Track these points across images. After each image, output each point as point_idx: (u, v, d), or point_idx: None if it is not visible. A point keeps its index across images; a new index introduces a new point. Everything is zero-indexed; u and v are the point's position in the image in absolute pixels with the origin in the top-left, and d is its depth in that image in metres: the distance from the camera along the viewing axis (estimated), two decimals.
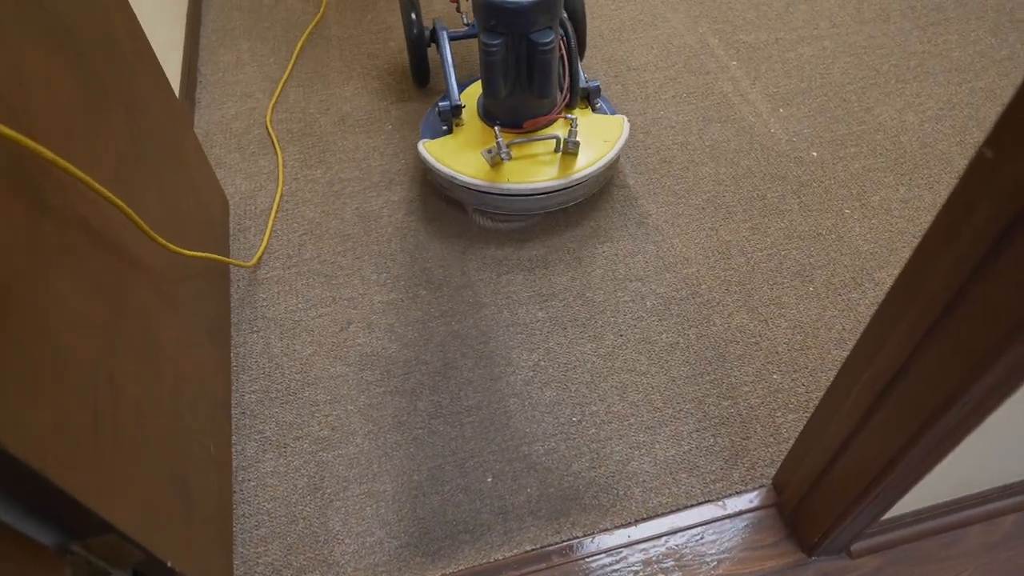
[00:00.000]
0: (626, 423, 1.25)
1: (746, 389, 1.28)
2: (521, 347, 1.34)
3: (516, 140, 1.45)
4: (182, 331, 1.11)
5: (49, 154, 0.72)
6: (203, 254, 1.20)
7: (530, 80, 1.36)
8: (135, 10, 1.21)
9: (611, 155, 1.46)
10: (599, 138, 1.48)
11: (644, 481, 1.18)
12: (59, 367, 0.72)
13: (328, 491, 1.18)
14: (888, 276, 1.42)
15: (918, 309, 0.67)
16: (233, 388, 1.31)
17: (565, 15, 1.41)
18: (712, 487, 1.17)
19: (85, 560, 0.78)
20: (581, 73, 1.53)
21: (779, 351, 1.33)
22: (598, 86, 1.54)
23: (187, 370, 1.08)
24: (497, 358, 1.33)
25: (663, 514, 1.15)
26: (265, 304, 1.43)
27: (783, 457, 1.16)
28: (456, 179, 1.43)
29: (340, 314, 1.41)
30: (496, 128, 1.42)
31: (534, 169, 1.43)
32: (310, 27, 2.02)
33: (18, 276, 0.66)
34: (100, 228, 0.88)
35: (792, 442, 1.21)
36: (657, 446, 1.22)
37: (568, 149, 1.41)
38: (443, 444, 1.23)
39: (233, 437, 1.24)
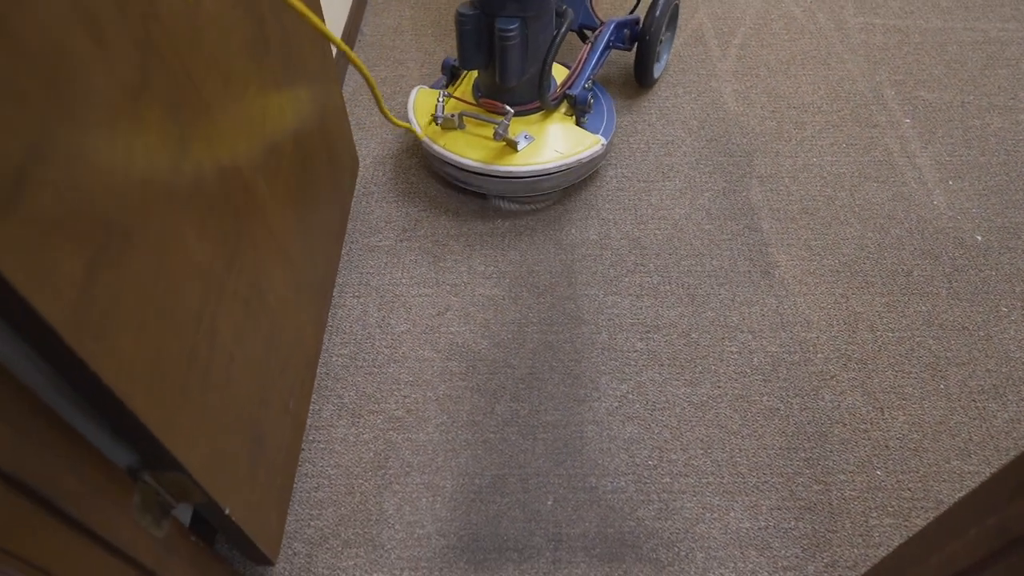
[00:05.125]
0: (704, 480, 1.17)
1: (842, 478, 1.17)
2: (612, 374, 1.29)
3: (467, 113, 1.48)
4: (290, 285, 1.13)
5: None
6: (404, 123, 1.37)
7: (492, 63, 1.37)
8: None
9: (544, 166, 1.43)
10: (553, 147, 1.46)
11: (710, 547, 1.11)
12: (168, 307, 0.73)
13: (390, 472, 1.18)
14: None
15: None
16: (323, 348, 1.33)
17: (571, 13, 1.41)
18: (782, 574, 1.08)
19: (153, 490, 0.81)
20: (581, 81, 1.52)
21: (889, 446, 1.21)
22: (586, 98, 1.49)
23: (285, 326, 1.10)
24: (585, 380, 1.29)
25: None
26: (371, 272, 1.45)
27: (870, 565, 1.05)
28: (412, 123, 1.51)
29: (441, 298, 1.40)
30: (442, 92, 1.48)
31: (468, 145, 1.46)
32: None
33: (148, 214, 0.68)
34: (235, 175, 0.90)
35: (883, 549, 1.10)
36: (732, 513, 1.14)
37: (496, 140, 1.43)
38: (512, 455, 1.20)
39: (313, 396, 1.27)
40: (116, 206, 0.62)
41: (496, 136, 1.42)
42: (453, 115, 1.46)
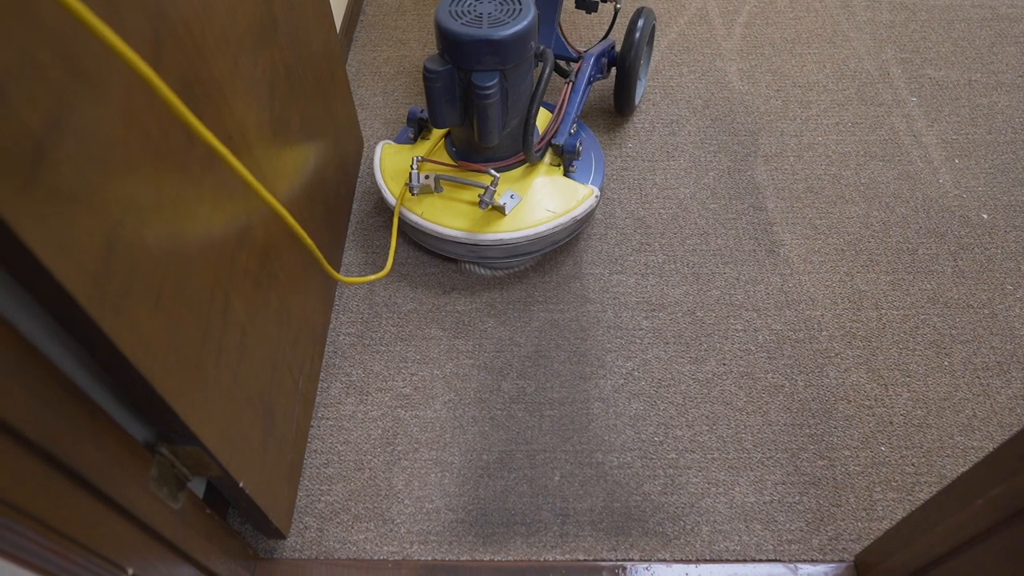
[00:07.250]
0: (709, 456, 1.19)
1: (847, 453, 1.19)
2: (618, 352, 1.30)
3: (444, 176, 1.33)
4: (298, 262, 1.14)
5: (254, 182, 0.74)
6: (361, 279, 1.20)
7: (471, 121, 1.23)
8: None
9: (537, 230, 1.28)
10: (545, 206, 1.31)
11: (715, 521, 1.12)
12: (182, 281, 0.74)
13: (399, 448, 1.20)
14: None
15: None
16: (331, 326, 1.34)
17: (550, 54, 1.24)
18: (787, 547, 1.10)
19: (170, 463, 0.82)
20: (566, 127, 1.39)
21: (893, 422, 1.22)
22: (574, 145, 1.34)
23: (294, 303, 1.11)
24: (591, 357, 1.29)
25: (728, 560, 1.09)
26: (377, 251, 1.45)
27: (874, 537, 1.07)
28: (382, 189, 1.36)
29: (446, 277, 1.41)
30: (416, 158, 1.32)
31: (448, 212, 1.30)
32: None
33: (162, 189, 0.68)
34: (244, 151, 0.91)
35: (886, 523, 1.12)
36: (737, 488, 1.15)
37: (483, 208, 1.28)
38: (519, 431, 1.21)
39: (321, 374, 1.28)
40: (132, 181, 0.62)
41: (482, 205, 1.27)
42: (428, 177, 1.31)
